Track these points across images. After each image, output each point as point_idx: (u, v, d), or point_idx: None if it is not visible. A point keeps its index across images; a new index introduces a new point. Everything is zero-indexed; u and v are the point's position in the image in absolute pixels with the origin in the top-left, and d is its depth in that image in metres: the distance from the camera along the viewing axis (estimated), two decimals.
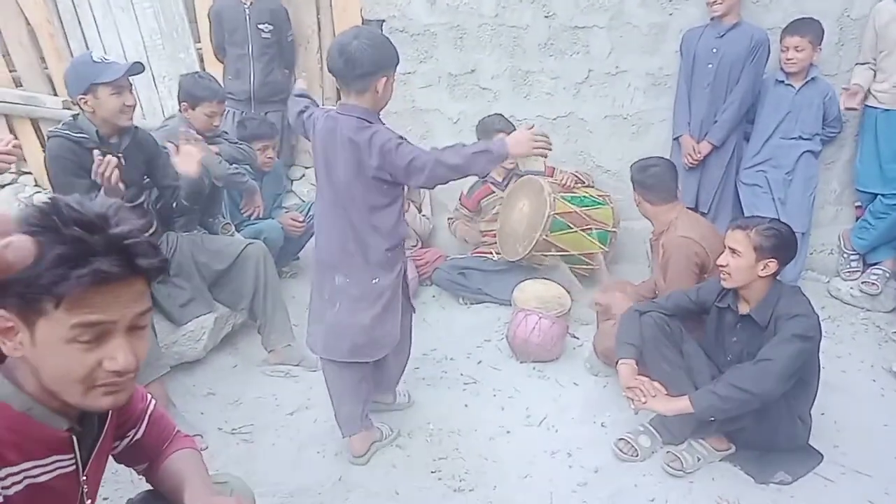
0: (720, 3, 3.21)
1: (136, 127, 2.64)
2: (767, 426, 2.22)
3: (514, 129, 3.57)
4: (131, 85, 2.55)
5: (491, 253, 3.67)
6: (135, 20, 4.35)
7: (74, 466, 1.12)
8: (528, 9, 3.66)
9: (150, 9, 4.31)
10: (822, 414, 2.51)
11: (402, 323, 2.34)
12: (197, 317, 2.82)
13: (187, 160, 2.63)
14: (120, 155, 2.55)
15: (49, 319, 0.94)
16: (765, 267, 2.16)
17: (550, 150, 2.10)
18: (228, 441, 2.49)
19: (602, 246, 3.46)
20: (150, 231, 1.01)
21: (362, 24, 4.04)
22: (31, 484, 1.03)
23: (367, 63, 1.96)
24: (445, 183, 2.12)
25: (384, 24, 3.84)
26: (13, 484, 1.01)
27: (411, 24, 3.82)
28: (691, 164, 3.48)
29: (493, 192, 3.71)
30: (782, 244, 2.15)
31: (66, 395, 1.01)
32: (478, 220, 3.81)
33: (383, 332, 2.25)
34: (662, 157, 2.91)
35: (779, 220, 2.31)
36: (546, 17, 3.65)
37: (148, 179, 2.71)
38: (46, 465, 1.06)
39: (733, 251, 2.19)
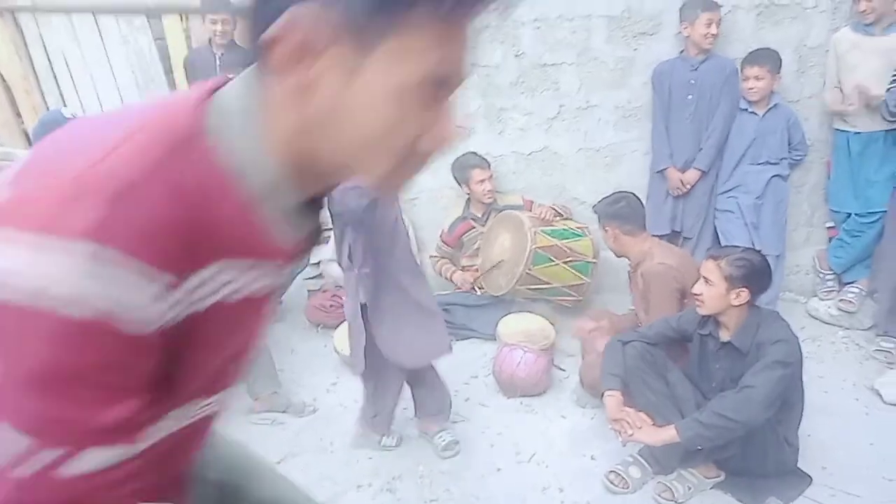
0: (713, 37, 3.33)
1: None
2: (755, 451, 2.24)
3: (489, 166, 3.65)
4: None
5: (473, 288, 3.69)
6: (111, 74, 4.39)
7: (275, 285, 0.77)
8: (499, 48, 3.76)
9: (125, 61, 4.36)
10: (809, 436, 2.52)
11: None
12: None
13: None
14: None
15: (400, 48, 0.60)
16: (737, 296, 2.20)
17: None
18: None
19: (584, 277, 3.50)
20: None
21: None
22: (219, 301, 0.67)
23: None
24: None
25: None
26: (202, 298, 0.64)
27: None
28: (680, 193, 3.55)
29: (474, 227, 3.75)
30: (753, 273, 2.20)
31: (368, 165, 0.67)
32: (459, 257, 3.83)
33: None
34: (624, 191, 2.99)
35: (752, 249, 2.36)
36: (516, 56, 3.75)
37: None
38: (251, 275, 0.70)
39: (706, 280, 2.25)
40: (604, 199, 2.90)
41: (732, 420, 2.07)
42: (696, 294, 2.29)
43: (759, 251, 2.34)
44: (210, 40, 4.01)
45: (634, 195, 2.92)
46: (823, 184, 3.68)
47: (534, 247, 3.34)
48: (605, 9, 3.60)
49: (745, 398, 2.08)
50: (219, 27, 3.90)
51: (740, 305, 2.22)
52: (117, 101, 4.44)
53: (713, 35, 3.29)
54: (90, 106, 4.39)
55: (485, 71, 3.80)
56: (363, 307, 2.39)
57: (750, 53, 3.35)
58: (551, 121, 3.82)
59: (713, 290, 2.23)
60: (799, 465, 2.36)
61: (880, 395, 2.88)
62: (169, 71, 4.37)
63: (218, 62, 4.01)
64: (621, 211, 2.74)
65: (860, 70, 3.25)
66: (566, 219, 3.71)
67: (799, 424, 2.31)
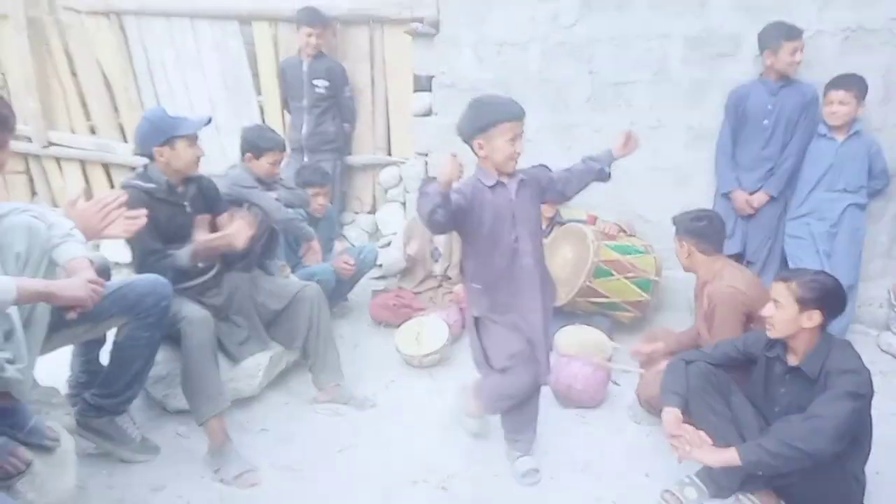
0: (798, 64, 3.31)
1: (200, 175, 2.84)
2: (818, 483, 2.18)
3: None
4: (198, 137, 2.76)
5: None
6: (202, 75, 4.67)
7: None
8: (572, 65, 3.82)
9: (216, 64, 4.63)
10: (877, 473, 2.44)
11: None
12: (253, 354, 2.96)
13: (238, 236, 2.72)
14: (186, 203, 2.75)
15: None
16: (809, 318, 2.17)
17: (458, 174, 2.08)
18: (280, 476, 2.57)
19: (644, 294, 3.50)
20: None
21: (413, 79, 4.27)
22: None
23: (462, 131, 2.31)
24: (434, 229, 2.30)
25: (433, 79, 4.04)
26: None
27: (460, 80, 4.02)
28: (745, 215, 3.51)
29: None
30: (826, 295, 2.16)
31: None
32: None
33: None
34: (711, 209, 2.97)
35: (824, 272, 2.32)
36: (590, 73, 3.79)
37: None
38: None
39: (776, 302, 2.22)
40: (686, 212, 2.86)
41: (800, 450, 2.02)
42: (766, 316, 2.27)
43: (827, 273, 2.30)
44: (300, 50, 4.23)
45: (719, 216, 2.88)
46: None
47: (596, 259, 3.37)
48: (683, 28, 3.60)
49: (814, 428, 2.03)
50: (313, 39, 4.13)
51: (812, 328, 2.19)
52: (207, 100, 4.71)
53: (798, 62, 3.25)
54: (181, 105, 4.68)
55: (556, 86, 3.86)
56: (475, 320, 2.48)
57: (836, 77, 3.29)
58: None
59: (783, 313, 2.20)
60: (865, 502, 2.29)
61: None
62: (256, 75, 4.61)
63: (305, 69, 4.22)
64: (703, 229, 2.73)
65: None
66: (630, 236, 3.72)
67: (867, 461, 2.24)
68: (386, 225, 4.54)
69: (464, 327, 3.83)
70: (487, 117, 2.24)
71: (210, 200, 2.88)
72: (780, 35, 3.24)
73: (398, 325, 3.65)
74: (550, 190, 2.48)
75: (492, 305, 2.41)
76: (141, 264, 2.66)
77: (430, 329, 3.51)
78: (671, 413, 2.30)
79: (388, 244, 4.30)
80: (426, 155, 4.31)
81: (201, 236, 2.75)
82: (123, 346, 2.43)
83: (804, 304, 2.17)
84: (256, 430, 2.87)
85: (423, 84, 4.25)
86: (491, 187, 2.33)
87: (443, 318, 3.61)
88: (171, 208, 2.71)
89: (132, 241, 2.60)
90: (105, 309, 2.25)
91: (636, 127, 3.75)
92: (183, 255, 2.67)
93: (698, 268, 2.78)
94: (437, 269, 3.95)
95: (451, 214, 2.17)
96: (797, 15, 3.43)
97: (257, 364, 2.96)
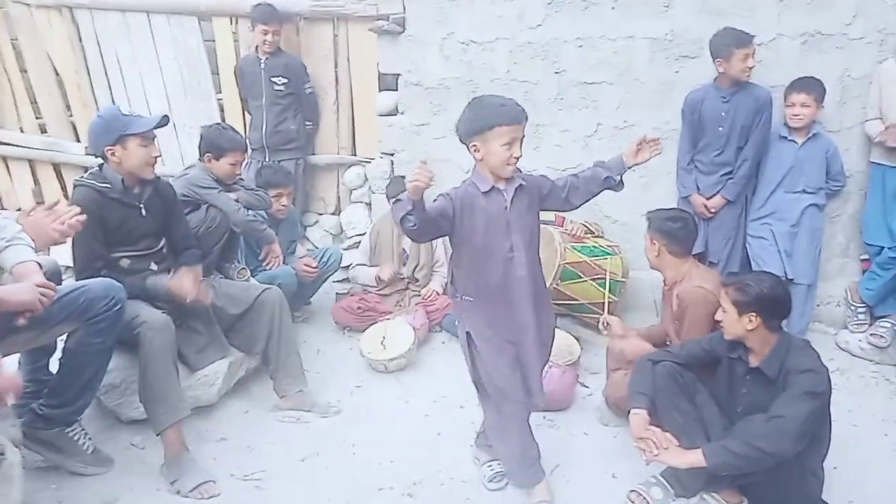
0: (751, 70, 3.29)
1: (157, 177, 2.74)
2: (780, 480, 2.21)
3: None
4: (155, 136, 2.66)
5: None
6: (159, 72, 4.53)
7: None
8: (539, 65, 3.81)
9: (174, 61, 4.49)
10: (835, 468, 2.49)
11: None
12: (213, 362, 2.87)
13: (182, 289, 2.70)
14: (141, 205, 2.66)
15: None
16: (749, 321, 2.20)
17: (427, 182, 1.95)
18: (240, 487, 2.49)
19: (612, 296, 3.50)
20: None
21: (379, 78, 4.22)
22: None
23: (459, 132, 2.19)
24: (412, 237, 2.16)
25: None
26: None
27: (426, 78, 3.97)
28: (706, 218, 3.55)
29: None
30: (760, 299, 2.19)
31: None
32: None
33: None
34: (687, 212, 2.97)
35: (766, 274, 2.37)
36: (556, 73, 3.79)
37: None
38: None
39: (722, 306, 2.28)
40: (662, 210, 2.85)
41: (763, 451, 2.05)
42: (717, 320, 2.30)
43: (773, 276, 2.33)
44: (257, 47, 4.14)
45: (693, 219, 2.88)
46: (860, 215, 3.64)
47: (562, 262, 3.36)
48: (647, 30, 3.62)
49: (776, 429, 2.06)
50: (269, 37, 4.04)
51: (760, 330, 2.22)
52: (164, 98, 4.57)
53: (750, 68, 3.28)
54: (137, 103, 4.53)
55: (524, 87, 3.85)
56: (467, 335, 2.30)
57: (797, 80, 3.33)
58: (588, 138, 3.85)
59: (727, 317, 2.27)
60: (824, 497, 2.33)
61: None
62: (216, 72, 4.49)
63: (263, 67, 4.13)
64: (676, 231, 2.72)
65: None
66: (597, 236, 3.73)
67: (826, 456, 2.28)
68: (351, 226, 4.46)
69: (430, 330, 3.80)
70: (484, 119, 2.09)
71: (167, 204, 2.78)
72: (730, 43, 3.26)
73: (363, 330, 3.59)
74: (552, 197, 2.30)
75: (484, 320, 2.24)
76: (82, 270, 2.55)
77: (395, 333, 3.46)
78: (638, 416, 2.31)
79: (356, 245, 4.22)
80: (392, 155, 4.26)
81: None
82: (74, 352, 2.34)
83: (740, 307, 2.22)
84: (215, 439, 2.78)
85: (388, 83, 4.19)
86: (485, 193, 2.17)
87: (409, 322, 3.56)
88: (125, 209, 2.61)
89: (74, 244, 2.50)
90: (55, 314, 2.17)
91: (603, 127, 3.80)
92: (158, 287, 2.66)
93: (666, 268, 2.79)
94: (405, 270, 3.90)
95: (427, 222, 2.06)
96: (758, 19, 3.47)
97: (216, 371, 2.87)
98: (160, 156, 2.71)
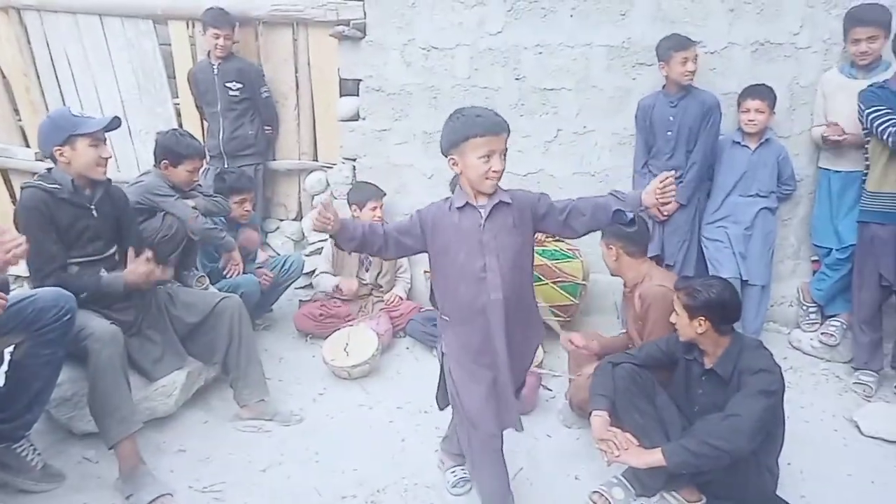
0: (692, 74, 3.38)
1: (109, 180, 2.67)
2: (737, 477, 2.27)
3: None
4: (106, 139, 2.60)
5: None
6: (113, 76, 4.42)
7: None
8: (500, 71, 3.84)
9: (128, 64, 4.39)
10: (789, 464, 2.56)
11: None
12: (170, 372, 2.79)
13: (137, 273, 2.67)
14: (92, 207, 2.59)
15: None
16: (699, 325, 2.26)
17: (324, 226, 1.99)
18: (199, 499, 2.43)
19: (573, 298, 3.54)
20: None
21: (340, 83, 4.19)
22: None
23: (441, 146, 2.10)
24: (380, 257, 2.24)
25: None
26: None
27: (387, 84, 3.97)
28: (660, 221, 3.62)
29: None
30: (708, 304, 2.25)
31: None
32: None
33: None
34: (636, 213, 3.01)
35: (717, 278, 2.42)
36: (517, 79, 3.82)
37: None
38: None
39: (675, 309, 2.34)
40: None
41: (720, 449, 2.10)
42: (671, 322, 2.36)
43: (722, 281, 2.39)
44: (209, 52, 4.08)
45: (643, 219, 2.93)
46: (810, 218, 3.76)
47: None
48: (605, 38, 3.69)
49: (732, 427, 2.11)
50: (220, 41, 3.98)
51: (711, 333, 2.27)
52: (118, 102, 4.46)
53: (690, 72, 3.37)
54: (90, 105, 4.41)
55: (485, 93, 3.88)
56: (443, 356, 2.26)
57: (751, 87, 3.44)
58: (548, 144, 3.89)
59: (679, 320, 2.33)
60: (778, 492, 2.39)
61: (858, 428, 2.93)
62: (172, 76, 4.40)
63: (216, 73, 4.07)
64: (630, 232, 2.77)
65: (843, 112, 3.36)
66: (558, 240, 3.76)
67: (780, 453, 2.35)
68: (312, 232, 4.42)
69: (395, 336, 3.78)
70: (459, 131, 1.99)
71: (118, 207, 2.71)
72: (670, 46, 3.36)
73: (325, 336, 3.55)
74: (549, 220, 2.13)
75: (459, 343, 2.16)
76: (38, 273, 2.47)
77: (358, 339, 3.43)
78: (599, 418, 2.33)
79: (319, 251, 4.18)
80: (354, 160, 4.23)
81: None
82: (22, 364, 2.25)
83: (690, 311, 2.28)
84: (173, 451, 2.70)
85: (349, 88, 4.17)
86: (459, 209, 2.07)
87: (372, 328, 3.54)
88: (75, 210, 2.54)
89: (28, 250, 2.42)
90: (1, 324, 2.09)
91: (563, 133, 3.85)
92: (114, 282, 2.58)
93: (626, 271, 2.83)
94: (368, 276, 3.87)
95: (364, 243, 2.10)
96: (710, 28, 3.58)
97: (173, 381, 2.80)
98: (111, 157, 2.65)
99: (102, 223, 2.64)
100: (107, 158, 2.59)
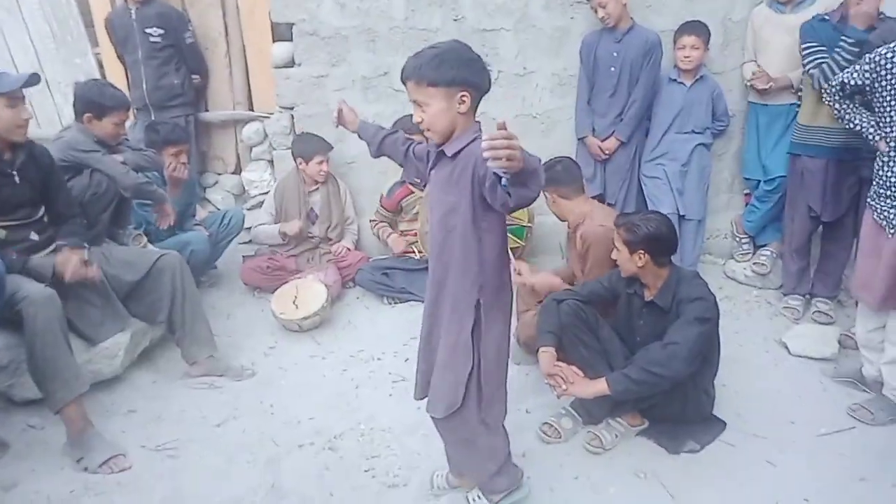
0: (609, 16, 3.39)
1: (31, 141, 2.51)
2: (676, 401, 2.40)
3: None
4: (24, 97, 2.43)
5: (413, 252, 3.73)
6: (22, 23, 4.10)
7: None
8: (437, 12, 3.74)
9: (38, 11, 4.07)
10: (724, 385, 2.73)
11: None
12: (112, 335, 2.72)
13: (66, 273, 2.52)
14: (14, 173, 2.44)
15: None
16: (639, 258, 2.35)
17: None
18: (153, 458, 2.42)
19: (519, 241, 3.60)
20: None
21: (271, 27, 4.01)
22: None
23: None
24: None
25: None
26: None
27: (322, 27, 3.82)
28: (601, 160, 3.67)
29: (413, 192, 3.76)
30: (647, 238, 2.33)
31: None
32: (398, 221, 3.85)
33: None
34: (562, 156, 3.04)
35: (653, 213, 2.51)
36: (455, 20, 3.74)
37: None
38: None
39: (615, 245, 2.41)
40: (542, 164, 2.93)
41: (659, 375, 2.21)
42: (613, 258, 2.43)
43: (659, 215, 2.47)
44: None
45: (571, 159, 2.98)
46: (742, 153, 3.89)
47: None
48: None
49: (671, 354, 2.22)
50: None
51: (650, 266, 2.37)
52: (32, 54, 4.16)
53: (623, 4, 3.38)
54: (1, 60, 4.09)
55: (423, 35, 3.77)
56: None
57: (686, 23, 3.46)
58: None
59: (620, 255, 2.41)
60: (715, 412, 2.55)
61: (787, 348, 3.13)
62: (91, 25, 4.11)
63: (134, 18, 3.83)
64: (557, 175, 2.81)
65: (772, 45, 3.44)
66: None
67: (715, 375, 2.49)
68: (253, 185, 4.29)
69: (344, 286, 3.77)
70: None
71: (43, 170, 2.56)
72: None
73: (273, 290, 3.51)
74: (484, 187, 1.67)
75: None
76: None
77: (307, 291, 3.41)
78: (546, 353, 2.41)
79: (260, 205, 4.07)
80: (291, 109, 4.09)
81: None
82: None
83: (630, 246, 2.36)
84: (123, 412, 2.67)
85: (282, 33, 3.99)
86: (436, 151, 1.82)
87: (320, 279, 3.51)
88: None
89: None
90: None
91: (504, 75, 3.82)
92: (41, 268, 2.51)
93: (566, 213, 2.88)
94: (316, 230, 3.81)
95: (385, 146, 2.16)
96: None
97: (117, 343, 2.73)
98: (32, 118, 2.47)
99: (27, 188, 2.49)
100: (27, 119, 2.42)
